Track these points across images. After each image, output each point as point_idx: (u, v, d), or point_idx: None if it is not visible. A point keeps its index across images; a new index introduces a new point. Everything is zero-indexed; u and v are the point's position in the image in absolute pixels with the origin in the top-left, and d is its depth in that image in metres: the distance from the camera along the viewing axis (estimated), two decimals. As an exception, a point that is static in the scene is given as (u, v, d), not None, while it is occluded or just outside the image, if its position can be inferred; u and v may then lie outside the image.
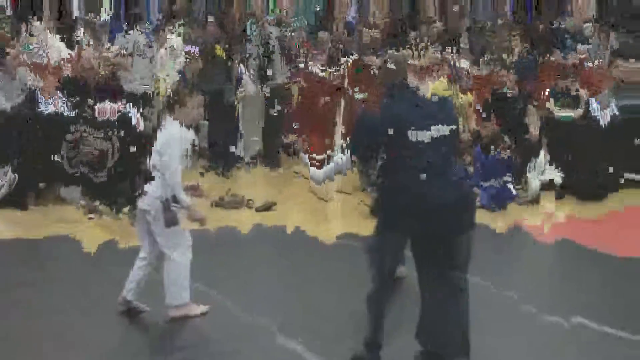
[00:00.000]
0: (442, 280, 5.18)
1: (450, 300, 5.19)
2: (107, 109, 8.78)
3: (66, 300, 6.37)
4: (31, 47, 11.83)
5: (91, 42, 12.56)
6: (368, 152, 5.28)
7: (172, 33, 11.76)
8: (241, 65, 11.36)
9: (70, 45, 11.87)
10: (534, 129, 10.90)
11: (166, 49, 11.28)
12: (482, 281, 6.45)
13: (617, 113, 10.53)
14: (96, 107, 8.75)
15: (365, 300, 5.19)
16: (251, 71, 11.52)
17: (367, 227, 5.71)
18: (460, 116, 7.95)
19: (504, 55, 12.69)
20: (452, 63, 11.05)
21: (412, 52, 5.21)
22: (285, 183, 10.53)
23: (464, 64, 11.62)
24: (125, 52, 10.50)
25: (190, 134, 6.06)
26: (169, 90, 7.99)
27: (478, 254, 5.31)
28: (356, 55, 11.27)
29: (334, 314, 6.12)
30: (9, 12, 13.57)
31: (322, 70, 10.89)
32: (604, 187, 10.12)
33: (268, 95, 11.37)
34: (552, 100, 10.99)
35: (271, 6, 14.49)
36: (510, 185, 10.09)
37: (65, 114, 8.65)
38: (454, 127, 5.20)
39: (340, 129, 10.28)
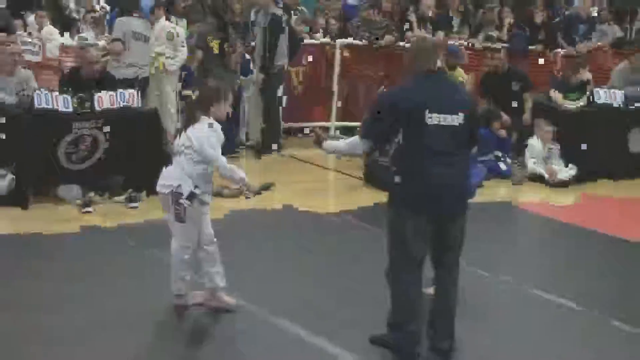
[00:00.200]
0: (451, 263, 5.29)
1: (451, 283, 5.33)
2: (106, 98, 8.75)
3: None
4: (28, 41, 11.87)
5: (92, 35, 12.58)
6: (384, 135, 5.25)
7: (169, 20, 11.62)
8: (245, 53, 11.32)
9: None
10: (528, 114, 10.91)
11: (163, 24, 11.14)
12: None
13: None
14: (95, 97, 8.71)
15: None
16: (254, 57, 11.48)
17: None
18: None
19: (494, 32, 12.75)
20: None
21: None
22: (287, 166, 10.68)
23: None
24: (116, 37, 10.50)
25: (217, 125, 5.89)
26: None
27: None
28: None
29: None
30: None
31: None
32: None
33: (270, 79, 11.29)
34: (556, 92, 10.82)
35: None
36: (501, 163, 10.12)
37: (64, 110, 8.58)
38: (470, 110, 5.23)
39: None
